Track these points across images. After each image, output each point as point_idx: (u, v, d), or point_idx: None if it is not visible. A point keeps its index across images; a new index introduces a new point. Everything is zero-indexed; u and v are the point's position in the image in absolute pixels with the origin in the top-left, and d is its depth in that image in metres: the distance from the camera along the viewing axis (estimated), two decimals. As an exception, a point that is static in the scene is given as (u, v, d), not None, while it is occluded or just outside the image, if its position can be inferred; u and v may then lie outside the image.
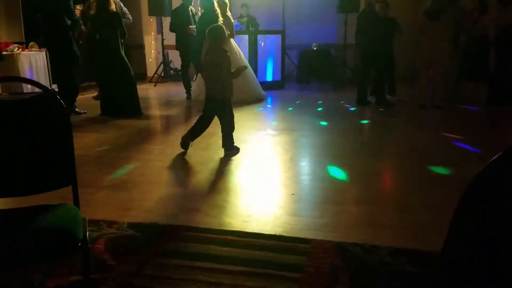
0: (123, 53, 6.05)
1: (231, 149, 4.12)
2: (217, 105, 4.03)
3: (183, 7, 7.51)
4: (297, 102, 7.36)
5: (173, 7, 8.38)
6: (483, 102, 6.77)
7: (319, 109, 6.69)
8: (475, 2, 6.96)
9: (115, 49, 5.91)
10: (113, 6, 5.90)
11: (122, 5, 7.04)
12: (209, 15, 6.44)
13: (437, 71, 6.49)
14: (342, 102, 7.31)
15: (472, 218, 1.00)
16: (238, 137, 4.31)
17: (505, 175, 0.95)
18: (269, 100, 7.55)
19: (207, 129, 4.21)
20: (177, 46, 7.65)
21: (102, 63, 6.00)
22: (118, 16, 5.96)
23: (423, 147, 4.40)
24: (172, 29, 7.65)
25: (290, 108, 6.74)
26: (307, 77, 9.19)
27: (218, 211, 2.81)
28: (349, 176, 3.57)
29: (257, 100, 7.26)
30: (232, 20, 7.26)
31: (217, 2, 6.83)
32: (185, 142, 4.08)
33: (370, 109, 6.70)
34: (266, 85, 8.06)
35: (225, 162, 3.84)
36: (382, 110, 6.50)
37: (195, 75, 8.56)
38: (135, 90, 6.15)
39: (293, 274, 2.01)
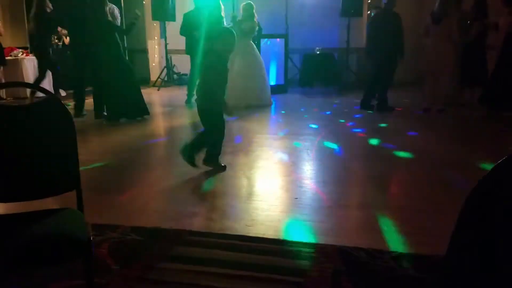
0: (125, 56, 6.06)
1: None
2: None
3: (196, 11, 7.19)
4: (300, 106, 7.36)
5: (179, 12, 8.35)
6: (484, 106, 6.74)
7: (321, 112, 6.69)
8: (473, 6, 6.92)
9: (116, 54, 5.90)
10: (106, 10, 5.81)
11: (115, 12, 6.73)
12: (216, 18, 6.38)
13: (441, 74, 6.47)
14: (345, 105, 7.32)
15: (476, 223, 1.00)
16: (243, 142, 4.31)
17: (509, 180, 0.95)
18: (272, 104, 7.55)
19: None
20: (187, 51, 7.48)
21: (105, 69, 5.99)
22: (108, 22, 5.79)
23: (429, 152, 4.38)
24: (182, 33, 7.45)
25: (293, 112, 6.74)
26: (310, 81, 9.19)
27: (221, 216, 2.81)
28: (352, 180, 3.57)
29: (262, 105, 7.24)
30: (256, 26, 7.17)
31: (243, 6, 6.91)
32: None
33: (373, 113, 6.68)
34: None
35: (228, 167, 3.84)
36: (387, 114, 6.49)
37: None
38: (139, 91, 6.14)
39: (296, 279, 2.00)
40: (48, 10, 6.87)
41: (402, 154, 4.37)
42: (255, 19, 7.03)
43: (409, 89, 8.66)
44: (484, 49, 6.83)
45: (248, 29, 6.97)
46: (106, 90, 6.09)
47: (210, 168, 3.70)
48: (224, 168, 3.72)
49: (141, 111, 6.15)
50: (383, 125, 5.86)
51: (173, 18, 9.31)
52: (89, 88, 6.67)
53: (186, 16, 7.56)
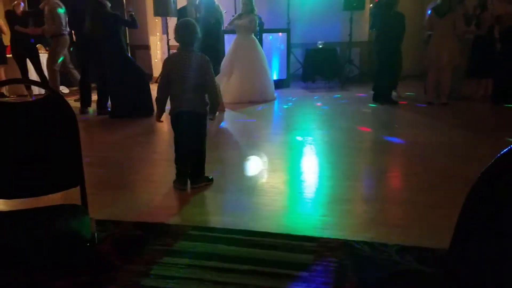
0: (127, 52, 6.04)
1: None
2: None
3: (190, 7, 7.00)
4: (302, 100, 7.34)
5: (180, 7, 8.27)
6: (489, 99, 6.72)
7: (324, 107, 6.67)
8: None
9: (118, 50, 5.89)
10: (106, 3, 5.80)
11: None
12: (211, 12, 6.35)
13: (444, 68, 6.44)
14: (349, 99, 7.30)
15: (479, 215, 0.99)
16: (246, 137, 4.30)
17: (510, 171, 0.94)
18: (276, 99, 7.54)
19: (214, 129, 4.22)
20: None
21: (108, 65, 5.98)
22: (113, 16, 5.81)
23: (431, 145, 4.37)
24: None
25: (296, 107, 6.73)
26: (312, 76, 9.16)
27: (224, 210, 2.81)
28: (356, 174, 3.56)
29: (266, 101, 7.22)
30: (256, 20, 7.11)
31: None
32: None
33: (379, 106, 6.66)
34: (272, 84, 8.04)
35: (231, 162, 3.84)
36: (390, 108, 6.47)
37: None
38: (147, 88, 6.05)
39: (300, 273, 2.00)
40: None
41: (406, 147, 4.36)
42: (255, 13, 6.98)
43: (414, 83, 8.62)
44: (494, 41, 6.79)
45: (248, 24, 6.91)
46: (111, 86, 6.07)
47: (212, 164, 3.69)
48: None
49: (147, 109, 5.99)
50: (387, 118, 5.84)
51: (174, 14, 9.27)
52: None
53: (179, 13, 7.50)
